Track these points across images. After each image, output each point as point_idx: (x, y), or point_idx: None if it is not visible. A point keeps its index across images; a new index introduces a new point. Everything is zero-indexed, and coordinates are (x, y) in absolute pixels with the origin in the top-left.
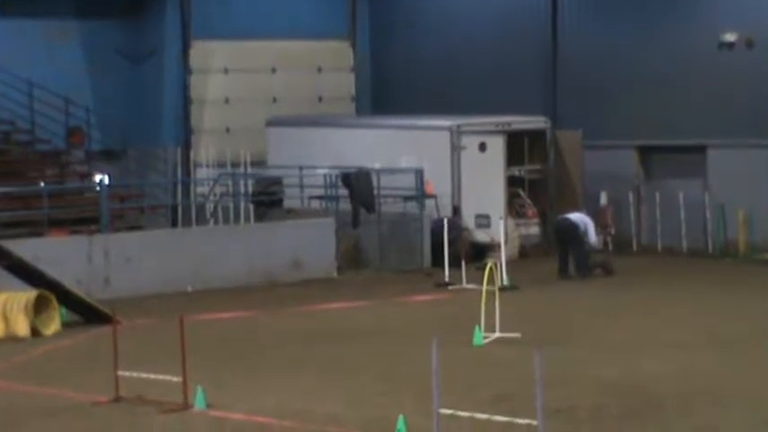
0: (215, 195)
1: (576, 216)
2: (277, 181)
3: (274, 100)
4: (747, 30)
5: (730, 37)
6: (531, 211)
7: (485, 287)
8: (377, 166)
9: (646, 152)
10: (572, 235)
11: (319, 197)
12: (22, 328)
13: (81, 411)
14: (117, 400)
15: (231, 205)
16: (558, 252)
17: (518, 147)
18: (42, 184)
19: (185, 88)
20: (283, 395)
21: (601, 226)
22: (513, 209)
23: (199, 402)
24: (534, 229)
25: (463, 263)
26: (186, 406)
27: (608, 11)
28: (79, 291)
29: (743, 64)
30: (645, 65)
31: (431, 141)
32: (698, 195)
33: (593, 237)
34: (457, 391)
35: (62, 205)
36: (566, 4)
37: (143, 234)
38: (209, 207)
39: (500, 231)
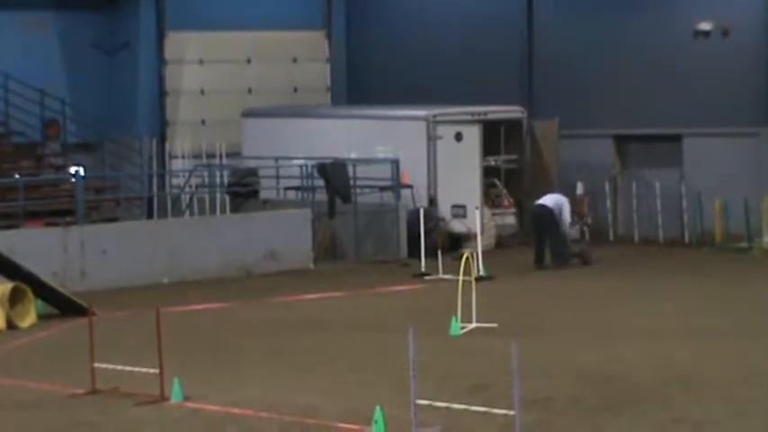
0: (190, 187)
1: (553, 199)
2: (253, 172)
3: (249, 91)
4: (723, 18)
5: (706, 26)
6: (507, 200)
7: (461, 277)
8: (353, 156)
9: (622, 141)
10: (549, 223)
11: (295, 188)
12: None
13: (57, 403)
14: (93, 392)
15: (207, 197)
16: (535, 241)
17: (494, 136)
18: (17, 176)
19: (160, 80)
20: (260, 386)
21: (577, 215)
22: (489, 199)
23: (175, 394)
24: (510, 219)
25: (439, 253)
26: (163, 398)
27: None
28: (55, 283)
29: (718, 53)
30: (621, 54)
31: (406, 131)
32: (674, 185)
33: (567, 219)
34: (434, 381)
35: (37, 197)
36: None
37: (119, 226)
38: (185, 198)
39: (476, 221)
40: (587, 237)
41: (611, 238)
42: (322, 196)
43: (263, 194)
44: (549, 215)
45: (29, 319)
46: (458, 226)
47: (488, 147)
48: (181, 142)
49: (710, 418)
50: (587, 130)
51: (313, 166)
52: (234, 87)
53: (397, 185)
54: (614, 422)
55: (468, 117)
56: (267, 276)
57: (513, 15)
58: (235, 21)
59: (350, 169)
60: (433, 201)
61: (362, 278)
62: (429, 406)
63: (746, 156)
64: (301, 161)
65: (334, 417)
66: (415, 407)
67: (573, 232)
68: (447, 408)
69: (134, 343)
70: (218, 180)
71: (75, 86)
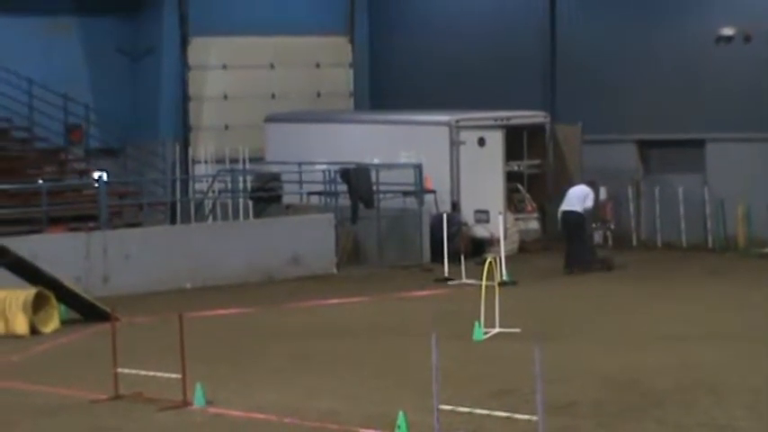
0: (213, 192)
1: (579, 198)
2: (276, 177)
3: (273, 96)
4: (745, 23)
5: (728, 31)
6: (530, 205)
7: (484, 282)
8: (376, 161)
9: (645, 146)
10: (577, 228)
11: (318, 193)
12: (21, 326)
13: (80, 409)
14: (116, 397)
15: (230, 202)
16: (566, 245)
17: (517, 141)
18: (41, 181)
19: (184, 85)
20: (283, 392)
21: (601, 221)
22: (512, 204)
23: (198, 399)
24: (533, 224)
25: (462, 258)
26: (185, 403)
27: (606, 4)
28: (78, 288)
29: (741, 58)
30: (643, 59)
31: (429, 136)
32: (697, 190)
33: (589, 206)
34: (457, 386)
35: (61, 202)
36: None
37: (142, 231)
38: (208, 204)
39: (499, 226)
40: (610, 242)
41: (635, 243)
42: (345, 201)
43: (286, 199)
44: (577, 219)
45: (52, 324)
46: (481, 231)
47: (511, 152)
48: (204, 147)
49: (734, 422)
50: (610, 135)
51: (336, 171)
52: (257, 92)
53: (420, 190)
54: (638, 427)
55: (491, 122)
56: (290, 281)
57: (535, 20)
58: (258, 26)
59: (373, 174)
60: (455, 206)
61: (385, 283)
62: (452, 411)
63: None
64: (324, 166)
65: (356, 422)
66: (437, 412)
67: (596, 237)
68: (470, 413)
69: (157, 348)
70: (241, 185)
71: (98, 91)
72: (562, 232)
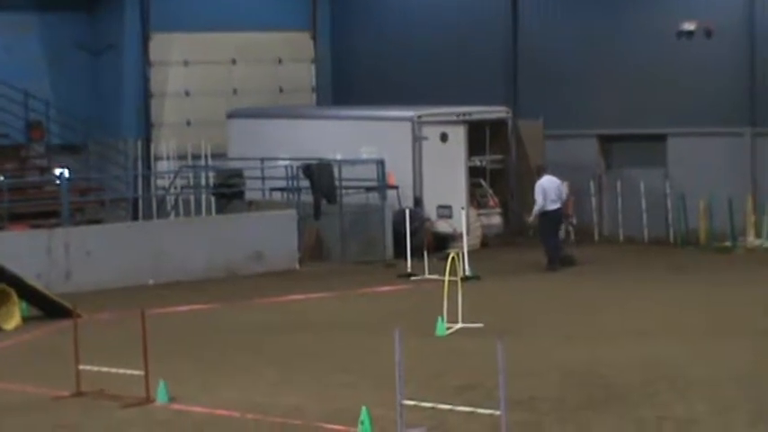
0: (176, 188)
1: (558, 195)
2: (238, 173)
3: (235, 92)
4: (706, 18)
5: (689, 26)
6: (492, 200)
7: (447, 278)
8: (338, 157)
9: (606, 141)
10: (560, 224)
11: (281, 189)
12: None
13: (42, 406)
14: (78, 394)
15: (192, 198)
16: (553, 242)
17: (479, 137)
18: (1, 178)
19: (145, 81)
20: (246, 388)
21: (563, 215)
22: (475, 199)
23: (161, 396)
24: (496, 219)
25: (425, 253)
26: (148, 400)
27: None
28: (40, 285)
29: (702, 53)
30: (605, 54)
31: (392, 132)
32: (659, 184)
33: (565, 194)
34: (420, 381)
35: (22, 199)
36: None
37: (103, 227)
38: (170, 200)
39: (462, 222)
40: (572, 237)
41: (597, 237)
42: (307, 197)
43: (249, 195)
44: (561, 215)
45: (13, 321)
46: (443, 226)
47: (474, 147)
48: (166, 143)
49: (694, 416)
50: (572, 130)
51: (298, 167)
52: (219, 88)
53: (382, 186)
54: (599, 420)
55: (454, 117)
56: (253, 277)
57: (497, 16)
58: (219, 22)
59: (335, 170)
60: (418, 201)
61: (348, 279)
62: (415, 406)
63: (730, 155)
64: (287, 162)
65: (319, 418)
66: (401, 407)
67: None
68: (433, 408)
69: (119, 345)
70: (203, 181)
71: (59, 88)
72: (549, 228)
